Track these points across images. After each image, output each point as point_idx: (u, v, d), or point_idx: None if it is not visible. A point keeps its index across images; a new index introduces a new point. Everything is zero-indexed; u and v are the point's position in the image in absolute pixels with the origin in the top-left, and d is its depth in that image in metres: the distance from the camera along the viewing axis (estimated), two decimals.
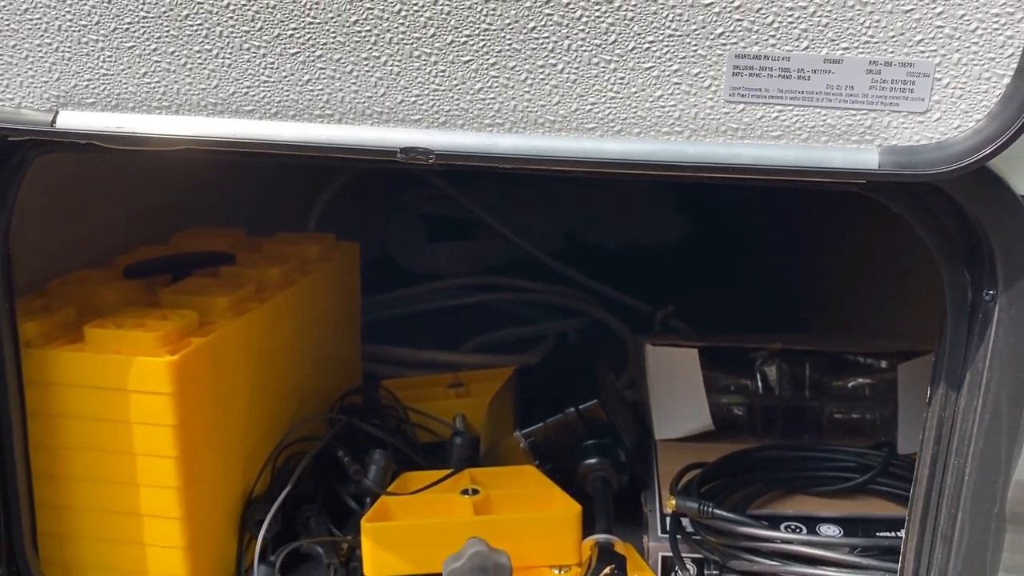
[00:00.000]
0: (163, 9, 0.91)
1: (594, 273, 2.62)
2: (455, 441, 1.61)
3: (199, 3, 0.90)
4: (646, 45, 0.85)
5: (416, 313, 2.52)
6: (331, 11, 0.87)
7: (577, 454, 1.53)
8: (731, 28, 0.84)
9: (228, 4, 0.89)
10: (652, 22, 0.84)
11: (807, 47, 0.84)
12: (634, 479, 1.58)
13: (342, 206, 2.60)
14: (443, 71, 0.88)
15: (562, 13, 0.85)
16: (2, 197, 1.08)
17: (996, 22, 0.81)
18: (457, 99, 0.89)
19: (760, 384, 1.67)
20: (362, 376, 1.94)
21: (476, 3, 0.85)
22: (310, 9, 0.88)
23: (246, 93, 0.92)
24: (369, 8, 0.87)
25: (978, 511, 0.98)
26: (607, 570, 1.28)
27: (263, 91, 0.91)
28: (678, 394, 1.63)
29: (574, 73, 0.87)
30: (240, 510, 1.41)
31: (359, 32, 0.88)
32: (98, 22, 0.93)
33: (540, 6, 0.85)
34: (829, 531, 1.31)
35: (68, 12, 0.93)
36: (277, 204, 2.36)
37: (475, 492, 1.44)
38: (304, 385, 1.63)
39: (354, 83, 0.90)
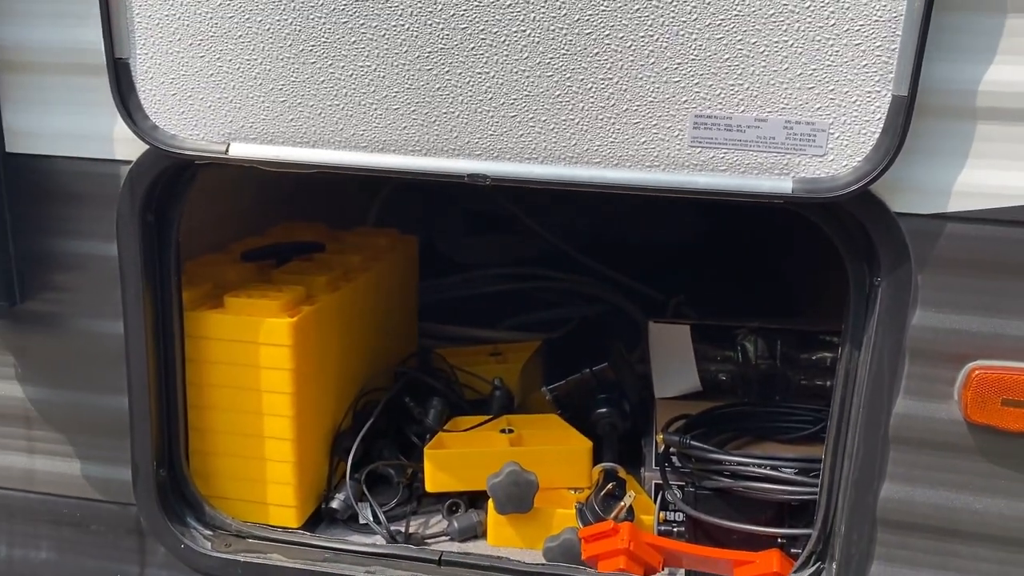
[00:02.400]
0: (305, 76, 1.33)
1: (615, 265, 2.99)
2: (495, 394, 2.02)
3: (331, 73, 1.32)
4: (636, 107, 1.26)
5: (458, 298, 2.91)
6: (423, 83, 1.29)
7: (590, 405, 1.95)
8: (693, 98, 1.24)
9: (352, 74, 1.31)
10: (640, 93, 1.25)
11: (744, 110, 1.24)
12: (636, 428, 1.99)
13: (395, 204, 3.01)
14: (497, 122, 1.30)
15: (578, 87, 1.26)
16: (181, 199, 1.51)
17: (869, 98, 1.21)
18: (506, 140, 1.31)
19: (740, 355, 2.07)
20: (417, 346, 2.36)
21: (520, 83, 1.26)
22: (409, 82, 1.29)
23: (363, 134, 1.34)
24: (449, 80, 1.29)
25: (869, 434, 1.38)
26: (609, 487, 1.70)
27: (375, 133, 1.33)
28: (673, 361, 2.03)
29: (586, 125, 1.28)
30: (330, 441, 1.84)
31: (442, 96, 1.30)
32: (260, 83, 1.35)
33: (564, 82, 1.26)
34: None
35: (239, 75, 1.35)
36: (344, 203, 2.77)
37: (510, 431, 1.87)
38: (376, 349, 2.05)
39: (437, 129, 1.31)
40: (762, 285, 2.94)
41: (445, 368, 2.16)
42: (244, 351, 1.64)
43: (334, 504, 1.76)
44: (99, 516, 1.65)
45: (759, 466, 1.62)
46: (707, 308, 2.61)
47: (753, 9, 1.19)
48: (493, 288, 3.01)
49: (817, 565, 1.50)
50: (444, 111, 1.30)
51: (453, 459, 1.80)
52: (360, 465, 1.83)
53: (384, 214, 2.94)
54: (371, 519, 1.74)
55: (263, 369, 1.65)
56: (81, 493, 1.65)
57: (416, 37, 1.27)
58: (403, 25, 1.28)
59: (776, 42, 1.20)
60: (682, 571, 1.62)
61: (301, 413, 1.69)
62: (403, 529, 1.74)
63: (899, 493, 1.39)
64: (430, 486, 1.80)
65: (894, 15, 1.17)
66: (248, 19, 1.32)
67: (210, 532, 1.66)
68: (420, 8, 1.26)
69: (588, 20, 1.23)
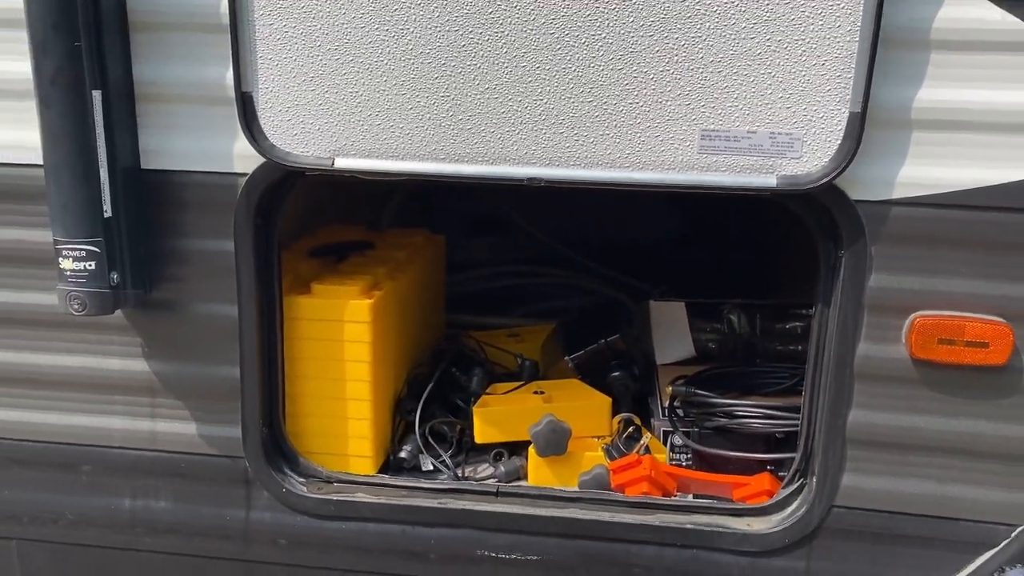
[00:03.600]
0: (396, 103, 1.69)
1: (604, 261, 3.36)
2: (524, 364, 2.40)
3: (417, 101, 1.68)
4: (658, 124, 1.65)
5: (463, 293, 3.22)
6: (492, 109, 1.66)
7: (606, 370, 2.33)
8: (700, 116, 1.64)
9: (433, 102, 1.68)
10: (662, 113, 1.64)
11: (739, 125, 1.64)
12: (643, 390, 2.38)
13: (404, 208, 3.32)
14: (550, 137, 1.67)
15: (614, 110, 1.64)
16: (283, 205, 1.86)
17: (833, 114, 1.61)
18: (556, 150, 1.68)
19: (727, 327, 2.47)
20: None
21: (568, 107, 1.64)
22: (480, 107, 1.66)
23: (440, 148, 1.70)
24: (513, 105, 1.66)
25: (839, 372, 1.78)
26: (629, 430, 2.08)
27: (450, 147, 1.70)
28: (671, 333, 2.43)
29: (619, 138, 1.66)
30: (393, 405, 2.20)
31: (506, 117, 1.67)
32: (360, 109, 1.71)
33: (603, 106, 1.64)
34: None
35: (342, 103, 1.71)
36: (361, 207, 3.09)
37: (542, 392, 2.24)
38: (420, 330, 2.41)
39: (501, 144, 1.68)
40: (732, 272, 3.31)
41: (475, 346, 2.53)
42: (331, 328, 2.00)
43: (402, 454, 2.12)
44: (211, 469, 1.99)
45: (748, 408, 2.02)
46: (688, 294, 2.99)
47: (745, 50, 1.59)
48: (497, 284, 3.36)
49: (800, 481, 1.90)
50: (507, 129, 1.68)
51: (498, 415, 2.17)
52: (415, 427, 2.19)
53: (393, 218, 3.26)
54: (435, 464, 2.10)
55: (346, 343, 2.00)
56: (197, 450, 1.98)
57: (489, 74, 1.65)
58: (477, 66, 1.65)
59: (763, 74, 1.60)
60: (691, 495, 2.01)
61: (375, 379, 2.05)
62: (459, 474, 2.11)
63: (863, 417, 1.79)
64: (479, 438, 2.17)
65: (849, 52, 1.57)
66: (350, 59, 1.68)
67: (304, 479, 2.01)
68: (493, 54, 1.63)
69: (623, 60, 1.61)
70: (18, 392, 2.01)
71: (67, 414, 2.00)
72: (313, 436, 2.06)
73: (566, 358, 2.39)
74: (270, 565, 2.03)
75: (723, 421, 2.04)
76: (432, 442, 2.15)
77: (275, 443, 2.00)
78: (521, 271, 3.43)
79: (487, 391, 2.28)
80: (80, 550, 2.09)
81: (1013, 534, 1.80)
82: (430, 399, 2.26)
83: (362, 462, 2.07)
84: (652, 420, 2.24)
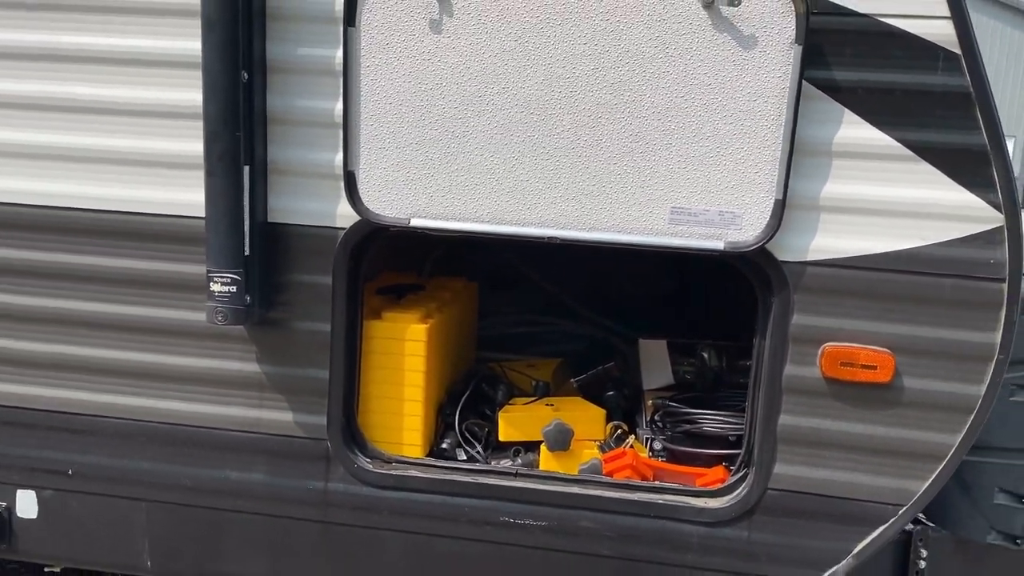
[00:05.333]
0: (457, 181, 2.39)
1: (599, 310, 3.98)
2: (538, 384, 3.05)
3: (474, 178, 2.37)
4: (639, 202, 2.33)
5: (485, 336, 3.86)
6: (529, 183, 2.35)
7: (603, 391, 2.98)
8: (672, 197, 2.32)
9: (490, 178, 2.37)
10: (643, 194, 2.32)
11: (697, 203, 2.32)
12: (631, 408, 3.02)
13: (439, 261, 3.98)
14: (564, 209, 2.36)
15: (612, 192, 2.33)
16: (368, 252, 2.55)
17: (764, 199, 2.29)
18: (567, 216, 2.37)
19: (700, 361, 3.12)
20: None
21: (580, 188, 2.33)
22: (519, 181, 2.36)
23: (489, 212, 2.39)
24: (550, 179, 2.35)
25: (770, 387, 2.42)
26: (618, 432, 2.72)
27: (495, 212, 2.38)
28: (655, 364, 3.08)
29: (614, 209, 2.34)
30: (436, 408, 2.85)
31: (534, 193, 2.36)
32: (431, 182, 2.40)
33: (607, 188, 2.33)
34: None
35: (417, 180, 2.40)
36: (407, 258, 3.75)
37: (552, 404, 2.89)
38: (457, 355, 3.08)
39: (529, 210, 2.37)
40: (705, 319, 3.89)
41: (500, 371, 3.18)
42: (395, 345, 2.67)
43: (444, 445, 2.77)
44: (300, 448, 2.63)
45: (707, 416, 2.66)
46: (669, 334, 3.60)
47: (703, 157, 2.28)
48: (515, 330, 3.99)
49: (744, 470, 2.53)
50: (534, 199, 2.36)
51: (518, 419, 2.81)
52: (453, 426, 2.84)
53: (433, 266, 3.91)
54: (468, 453, 2.74)
55: (406, 356, 2.67)
56: (291, 433, 2.62)
57: (526, 161, 2.34)
58: (515, 158, 2.35)
59: (715, 172, 2.29)
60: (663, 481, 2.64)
61: (427, 386, 2.70)
62: (487, 462, 2.75)
63: (790, 421, 2.43)
64: (502, 436, 2.81)
65: (774, 158, 2.26)
66: (425, 152, 2.37)
67: (370, 459, 2.64)
68: (526, 153, 2.33)
69: (623, 162, 2.31)
70: (157, 385, 2.66)
71: (193, 403, 2.65)
72: (378, 427, 2.71)
73: (572, 380, 3.05)
74: (342, 526, 2.65)
75: (688, 427, 2.68)
76: (468, 435, 2.79)
77: (350, 431, 2.64)
78: (535, 320, 4.09)
79: (509, 403, 2.93)
80: (193, 511, 2.72)
81: (899, 512, 2.42)
82: (465, 406, 2.91)
83: (414, 448, 2.71)
84: (637, 430, 2.88)
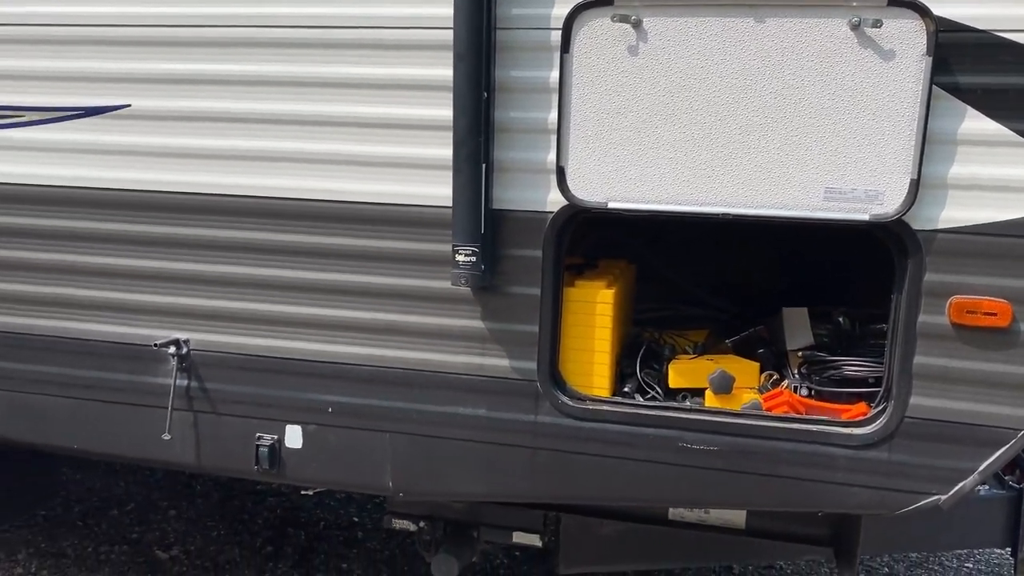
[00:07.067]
0: (647, 169, 3.01)
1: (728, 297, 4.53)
2: (698, 345, 3.65)
3: (661, 164, 3.00)
4: (800, 182, 2.92)
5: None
6: (704, 170, 2.97)
7: (753, 349, 3.56)
8: (826, 179, 2.91)
9: (675, 165, 3.00)
10: (803, 176, 2.92)
11: (847, 183, 2.89)
12: (777, 366, 3.59)
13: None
14: (736, 191, 2.96)
15: (779, 173, 2.93)
16: (570, 229, 3.20)
17: (902, 179, 2.85)
18: (739, 197, 2.97)
19: (835, 325, 3.65)
20: None
21: (752, 172, 2.94)
22: (698, 169, 2.98)
23: (674, 193, 3.01)
24: (718, 169, 2.97)
25: (907, 333, 2.97)
26: (774, 378, 3.30)
27: (679, 193, 3.01)
28: (797, 327, 3.64)
29: (781, 188, 2.94)
30: (617, 360, 3.47)
31: (713, 175, 2.97)
32: (624, 171, 3.03)
33: (775, 169, 2.93)
34: None
35: (612, 169, 3.04)
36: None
37: (712, 359, 3.48)
38: (627, 318, 3.70)
39: (715, 193, 2.98)
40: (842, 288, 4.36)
41: (662, 337, 3.81)
42: (588, 307, 3.30)
43: (626, 389, 3.39)
44: (515, 387, 3.28)
45: (850, 362, 3.22)
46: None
47: (856, 146, 2.86)
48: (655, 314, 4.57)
49: (884, 404, 3.07)
50: (713, 180, 2.98)
51: (685, 368, 3.42)
52: (634, 373, 3.46)
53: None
54: (648, 389, 3.36)
55: (597, 315, 3.30)
56: (507, 375, 3.27)
57: (706, 147, 2.96)
58: (701, 145, 2.96)
59: (862, 158, 2.86)
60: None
61: (612, 340, 3.33)
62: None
63: (923, 360, 2.96)
64: (672, 384, 3.41)
65: (909, 146, 2.82)
66: (619, 147, 3.02)
67: (568, 396, 3.28)
68: (711, 136, 2.95)
69: (793, 147, 2.91)
70: (401, 339, 3.35)
71: (429, 353, 3.34)
72: (573, 373, 3.34)
73: (727, 340, 3.64)
74: (548, 451, 3.29)
75: (832, 372, 3.24)
76: (647, 381, 3.41)
77: (554, 374, 3.29)
78: (673, 306, 4.66)
79: (676, 358, 3.54)
80: (427, 440, 3.40)
81: (1016, 435, 2.93)
82: (640, 359, 3.53)
83: (602, 391, 3.34)
84: (786, 380, 3.45)
